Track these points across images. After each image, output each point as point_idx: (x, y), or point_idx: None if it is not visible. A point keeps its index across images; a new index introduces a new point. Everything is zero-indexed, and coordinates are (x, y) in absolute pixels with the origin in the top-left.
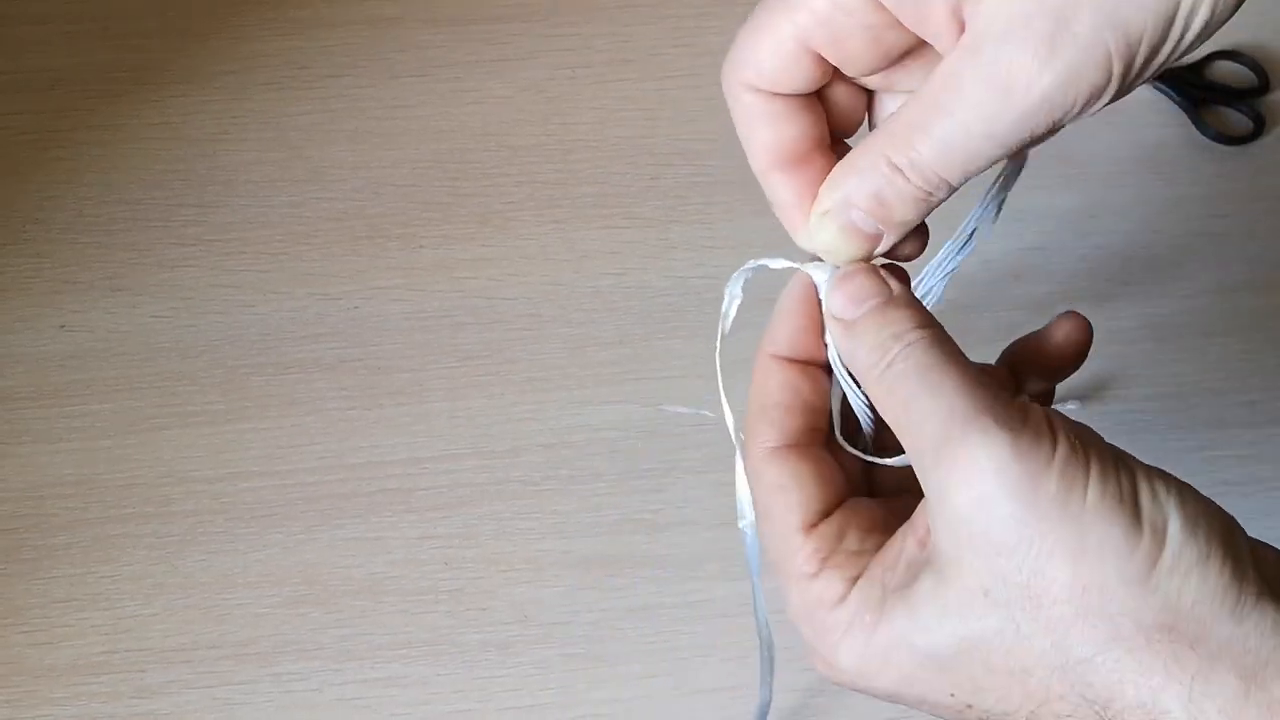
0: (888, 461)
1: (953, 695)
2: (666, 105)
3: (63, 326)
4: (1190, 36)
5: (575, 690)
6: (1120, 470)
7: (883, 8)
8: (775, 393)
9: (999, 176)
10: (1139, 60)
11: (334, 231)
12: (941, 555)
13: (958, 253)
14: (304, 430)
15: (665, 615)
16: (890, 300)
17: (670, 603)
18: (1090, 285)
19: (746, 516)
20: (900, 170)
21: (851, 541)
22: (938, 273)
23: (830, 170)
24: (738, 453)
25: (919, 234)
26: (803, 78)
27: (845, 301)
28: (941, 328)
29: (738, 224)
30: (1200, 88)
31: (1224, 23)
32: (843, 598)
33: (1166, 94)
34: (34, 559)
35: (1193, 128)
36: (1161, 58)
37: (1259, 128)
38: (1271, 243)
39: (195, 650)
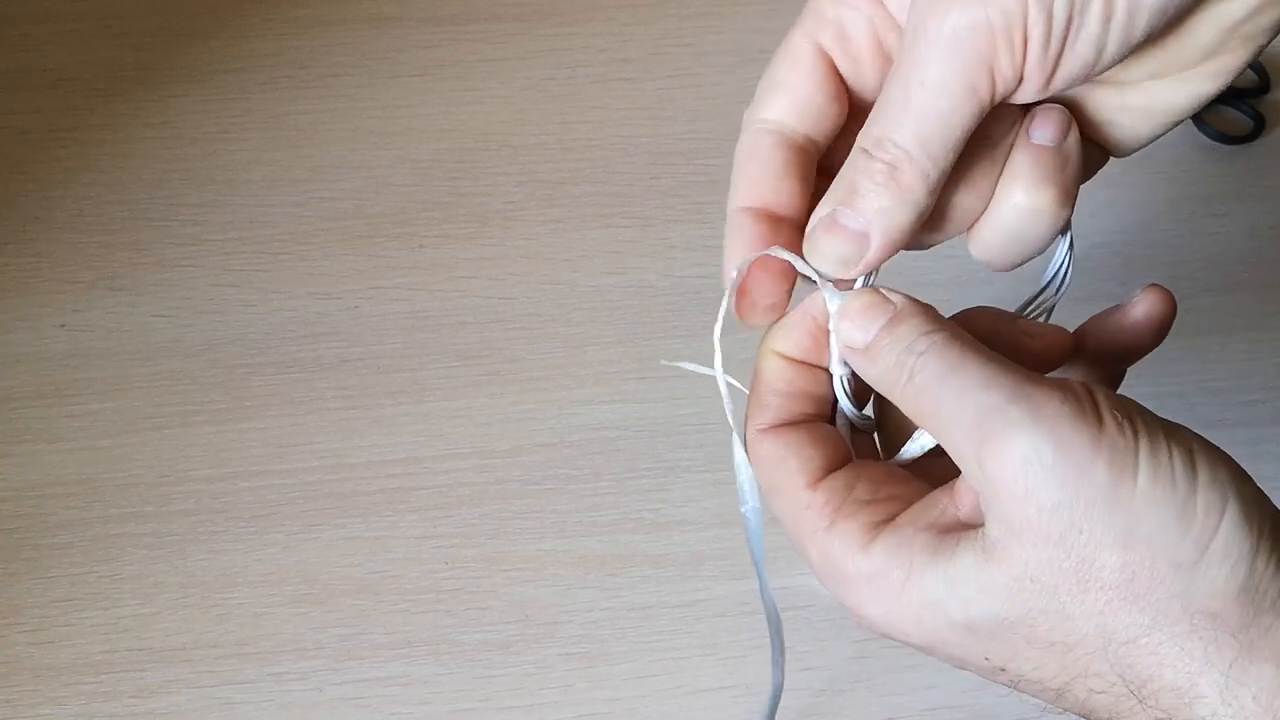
0: (915, 449)
1: (987, 659)
2: (666, 105)
3: (63, 326)
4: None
5: (575, 689)
6: (1173, 447)
7: (883, 6)
8: (774, 381)
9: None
10: (1059, 13)
11: (334, 231)
12: (989, 539)
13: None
14: (304, 429)
15: (665, 614)
16: (896, 315)
17: (670, 602)
18: (1090, 285)
19: (748, 502)
20: (865, 150)
21: (862, 492)
22: None
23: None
24: (735, 437)
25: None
26: (824, 104)
27: (854, 330)
28: (953, 325)
29: None
30: None
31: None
32: (864, 546)
33: None
34: (34, 558)
35: (1193, 127)
36: (1091, 28)
37: (1259, 127)
38: (1271, 242)
39: (195, 649)
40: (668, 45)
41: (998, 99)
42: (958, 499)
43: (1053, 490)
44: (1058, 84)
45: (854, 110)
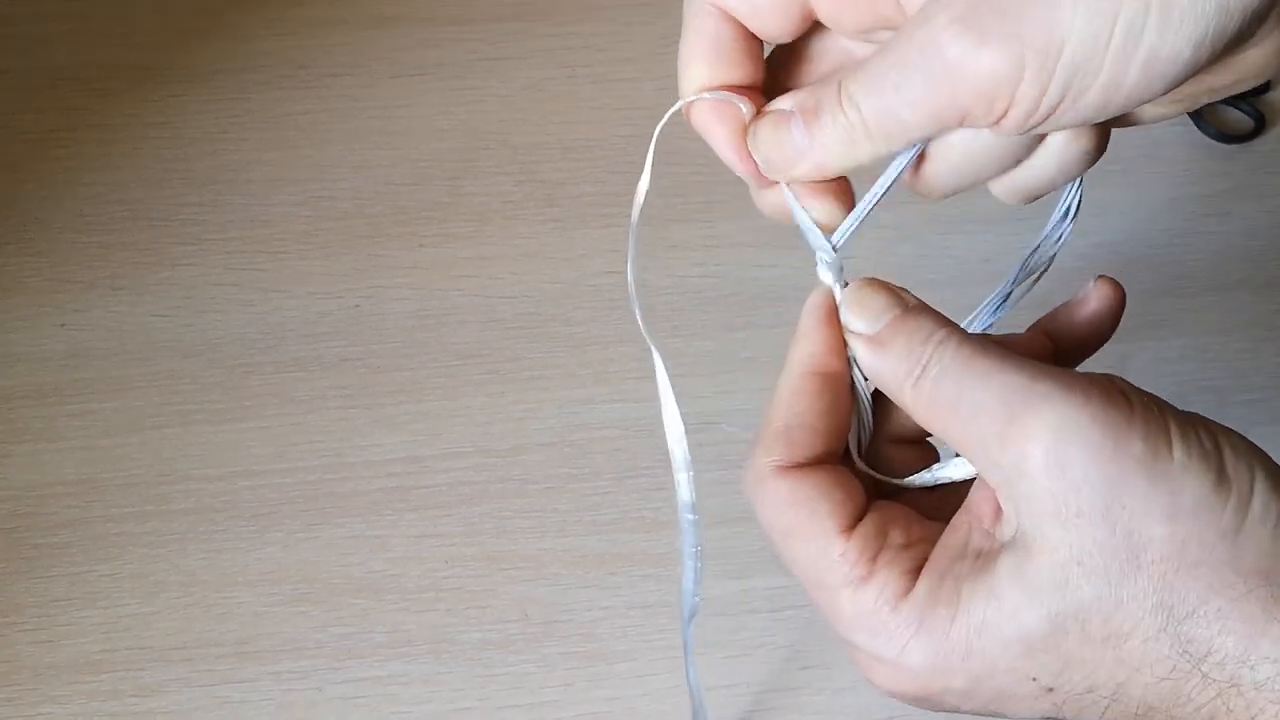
0: (920, 479)
1: (1035, 679)
2: (667, 104)
3: (63, 325)
4: (1133, 76)
5: (575, 688)
6: (1198, 427)
7: None
8: (804, 414)
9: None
10: (1060, 70)
11: (334, 230)
12: (1024, 534)
13: (993, 311)
14: (304, 429)
15: (665, 613)
16: (910, 309)
17: (670, 601)
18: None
19: (689, 591)
20: (841, 87)
21: (897, 536)
22: (1013, 283)
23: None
24: (670, 415)
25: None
26: (781, 14)
27: (862, 314)
28: (963, 329)
29: (738, 222)
30: None
31: (1176, 80)
32: (905, 592)
33: None
34: (34, 557)
35: (1193, 126)
36: (1097, 88)
37: (1259, 126)
38: (1272, 241)
39: (195, 648)
40: (668, 45)
41: (964, 127)
42: (976, 513)
43: (1092, 465)
44: (1045, 130)
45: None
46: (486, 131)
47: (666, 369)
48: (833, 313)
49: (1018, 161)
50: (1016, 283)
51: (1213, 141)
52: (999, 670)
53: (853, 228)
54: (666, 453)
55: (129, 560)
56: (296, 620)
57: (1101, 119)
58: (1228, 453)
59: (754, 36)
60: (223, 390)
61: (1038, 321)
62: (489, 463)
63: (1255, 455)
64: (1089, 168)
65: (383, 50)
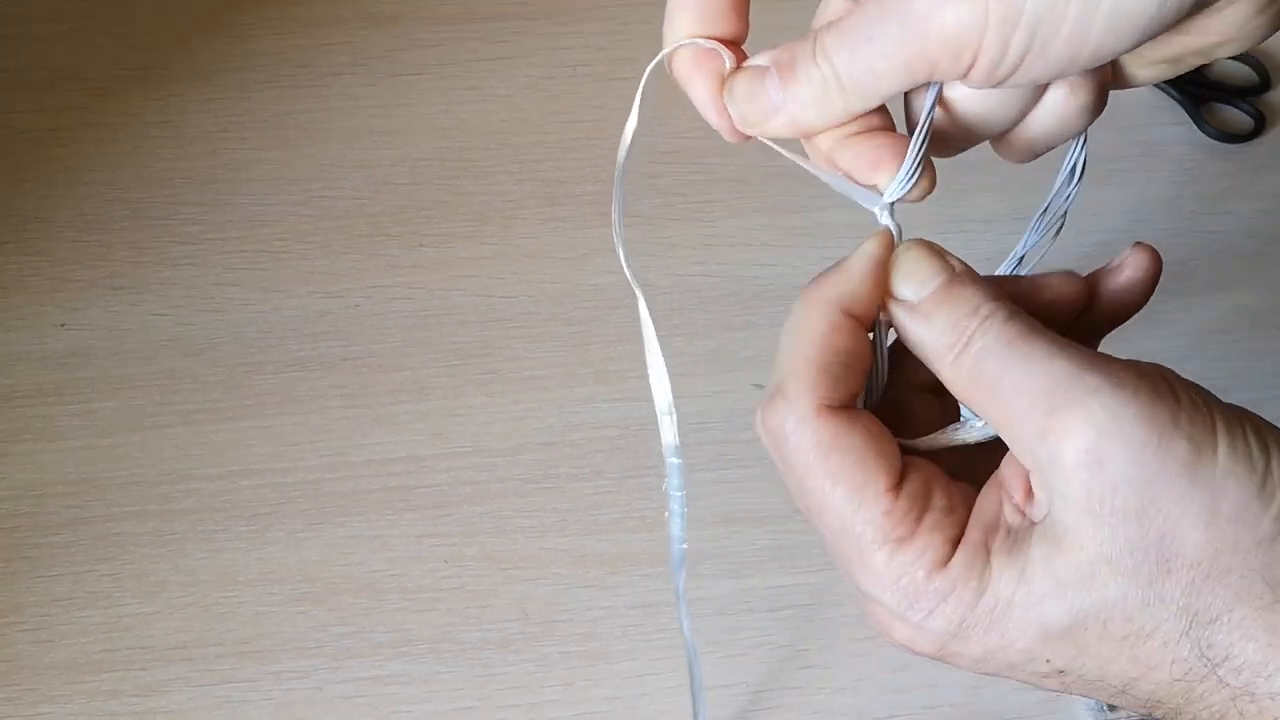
0: (936, 441)
1: (1049, 661)
2: (667, 103)
3: (64, 325)
4: (1097, 30)
5: (575, 687)
6: (1246, 426)
7: None
8: (845, 352)
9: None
10: (1023, 23)
11: (335, 230)
12: (1056, 524)
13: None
14: (305, 428)
15: (665, 613)
16: (956, 276)
17: (670, 600)
18: None
19: (673, 459)
20: (815, 38)
21: (940, 498)
22: (1034, 235)
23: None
24: (653, 356)
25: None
26: None
27: (907, 279)
28: (1013, 303)
29: (738, 221)
30: (1201, 85)
31: (1144, 33)
32: (944, 560)
33: (1167, 92)
34: (35, 557)
35: (1194, 125)
36: (1062, 40)
37: (1260, 125)
38: (1272, 240)
39: (196, 648)
40: None
41: (938, 81)
42: (1008, 489)
43: (1133, 464)
44: (1010, 85)
45: None
46: (487, 130)
47: (666, 367)
48: (885, 264)
49: (1021, 115)
50: (1028, 246)
51: (1213, 141)
52: (1014, 648)
53: (910, 175)
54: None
55: (129, 560)
56: (297, 620)
57: (1075, 71)
58: (1275, 456)
59: None
60: (223, 389)
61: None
62: (489, 462)
63: None
64: (1089, 123)
65: (383, 49)
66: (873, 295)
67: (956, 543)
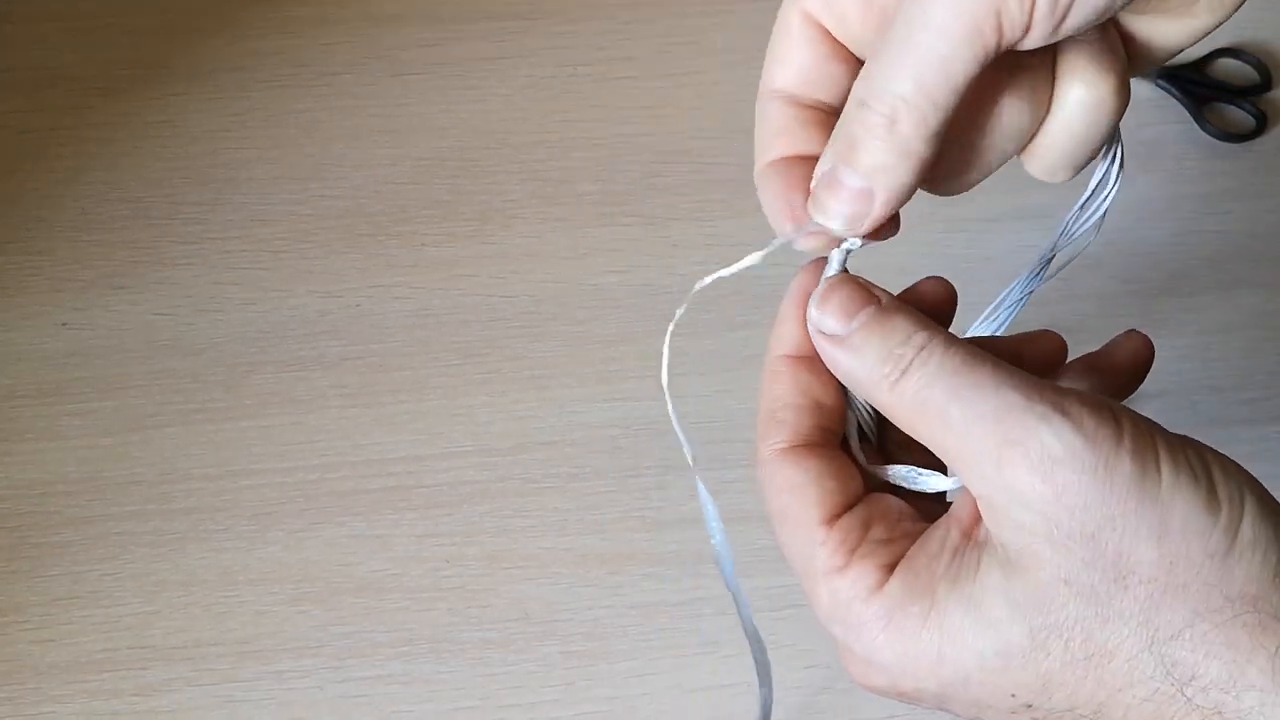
0: (899, 476)
1: (1013, 696)
2: (668, 103)
3: (64, 324)
4: None
5: (576, 687)
6: (1188, 449)
7: None
8: (784, 395)
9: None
10: None
11: (335, 229)
12: (1009, 547)
13: (1029, 281)
14: (305, 428)
15: (666, 612)
16: (884, 308)
17: (671, 600)
18: (1091, 282)
19: (716, 535)
20: (861, 101)
21: (879, 531)
22: (1005, 304)
23: None
24: (697, 479)
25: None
26: (821, 71)
27: (836, 315)
28: (948, 332)
29: (739, 221)
30: (1202, 85)
31: None
32: (879, 585)
33: (1169, 91)
34: (36, 556)
35: (1195, 125)
36: None
37: (1261, 125)
38: (1273, 240)
39: (197, 648)
40: (669, 44)
41: (1004, 47)
42: (956, 514)
43: (1084, 488)
44: (1065, 32)
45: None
46: (488, 130)
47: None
48: (804, 300)
49: (1036, 126)
50: (1057, 248)
51: (1214, 140)
52: (973, 682)
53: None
54: (667, 452)
55: (130, 559)
56: (297, 619)
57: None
58: (1218, 475)
59: (821, 109)
60: (224, 389)
61: (1065, 367)
62: (490, 462)
63: (1246, 480)
64: (1118, 118)
65: (384, 49)
66: (799, 329)
67: (892, 569)
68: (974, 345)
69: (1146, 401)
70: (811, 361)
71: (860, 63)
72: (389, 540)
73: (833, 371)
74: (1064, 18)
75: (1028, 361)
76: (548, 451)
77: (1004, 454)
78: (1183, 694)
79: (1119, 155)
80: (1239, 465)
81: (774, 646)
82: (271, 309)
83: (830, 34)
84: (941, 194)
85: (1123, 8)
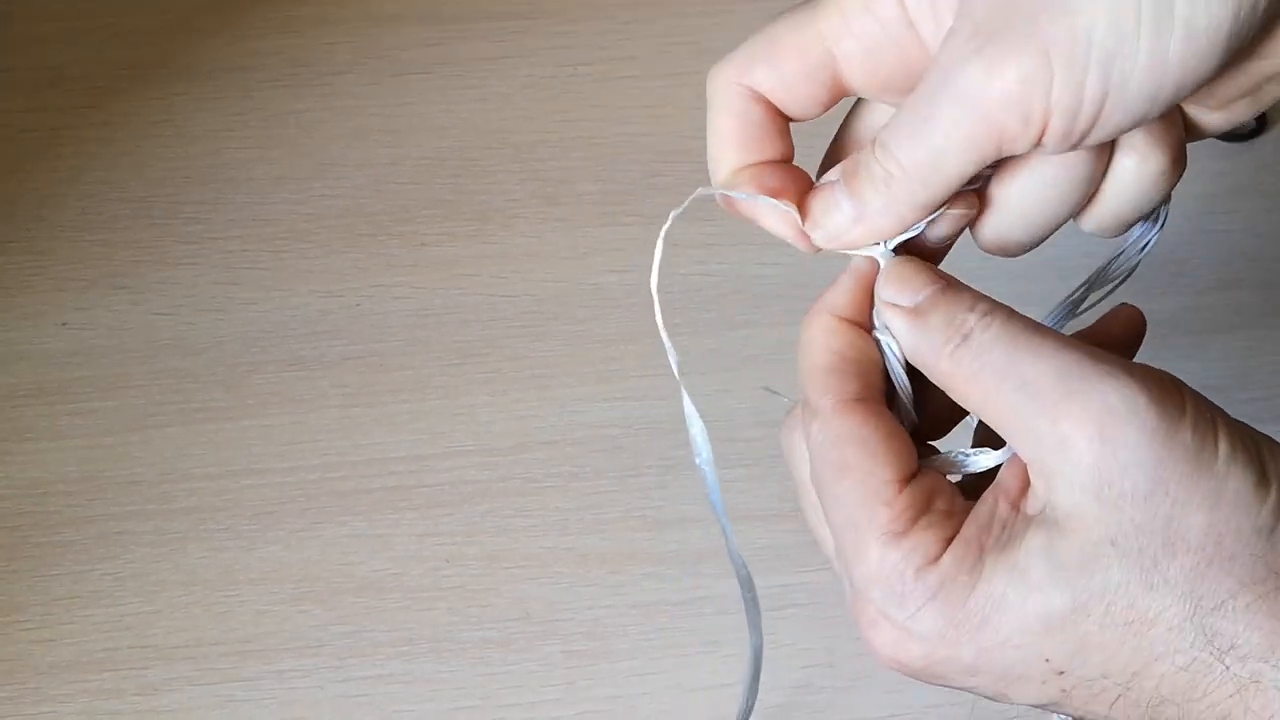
0: (951, 459)
1: (1047, 660)
2: (669, 102)
3: (65, 324)
4: (1175, 53)
5: (577, 687)
6: (1243, 431)
7: (910, 26)
8: (844, 349)
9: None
10: (1094, 63)
11: (336, 229)
12: (1058, 509)
13: (1052, 325)
14: (306, 427)
15: (667, 612)
16: (951, 283)
17: (672, 599)
18: None
19: (703, 454)
20: (872, 149)
21: (942, 502)
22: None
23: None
24: (683, 390)
25: (964, 206)
26: (814, 99)
27: (902, 288)
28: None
29: (739, 221)
30: None
31: (1225, 52)
32: (935, 558)
33: None
34: (36, 556)
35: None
36: (1140, 73)
37: (1261, 125)
38: (1274, 240)
39: (198, 647)
40: (670, 43)
41: (1005, 154)
42: (1004, 487)
43: (1143, 448)
44: (1090, 144)
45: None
46: (488, 130)
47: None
48: (869, 276)
49: (1087, 197)
50: (1093, 287)
51: (1215, 140)
52: (1010, 645)
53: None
54: (668, 451)
55: (131, 559)
56: (298, 619)
57: (1157, 111)
58: (1268, 456)
59: (782, 114)
60: (224, 389)
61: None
62: (491, 461)
63: None
64: (1171, 187)
65: (384, 48)
66: (861, 299)
67: (949, 543)
68: (1035, 321)
69: None
70: (865, 330)
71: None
72: (390, 540)
73: (899, 341)
74: (1084, 137)
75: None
76: (548, 451)
77: (1061, 408)
78: (1221, 663)
79: (1164, 216)
80: None
81: (774, 645)
82: (272, 309)
83: (839, 75)
84: (994, 250)
85: (1156, 118)
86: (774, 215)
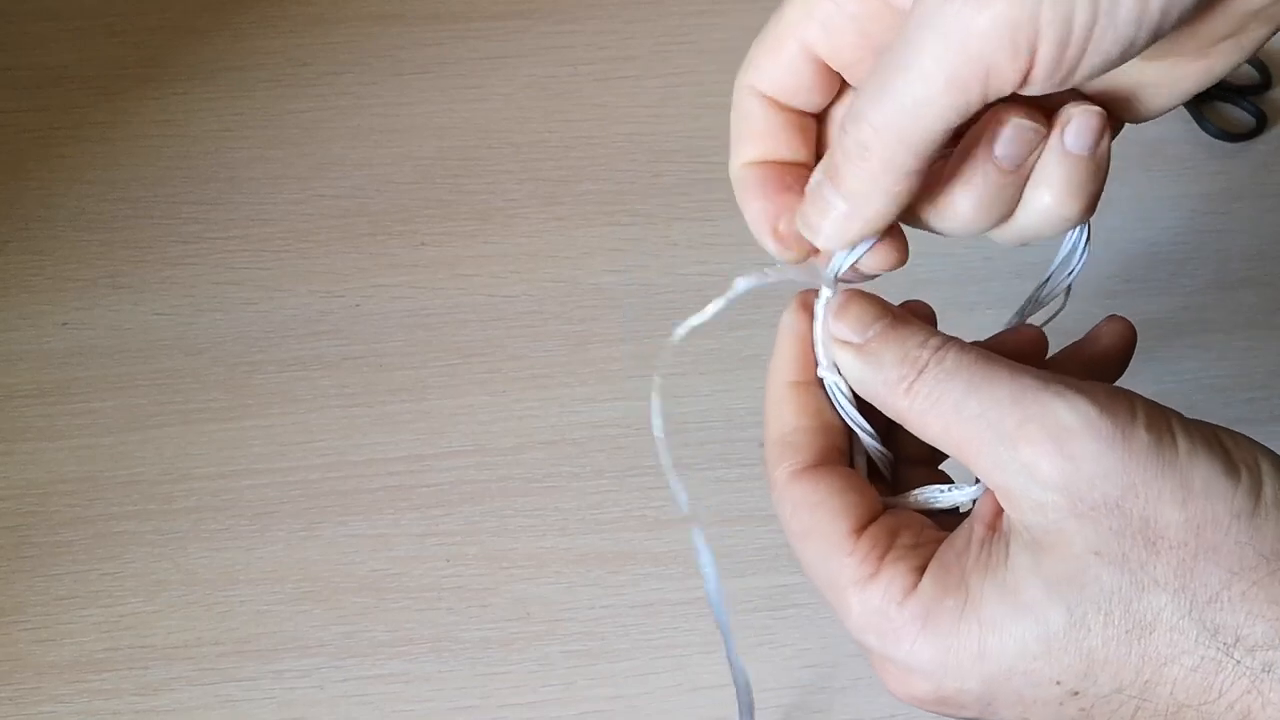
0: (923, 497)
1: (1058, 683)
2: (668, 102)
3: (65, 324)
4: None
5: (577, 686)
6: (1200, 425)
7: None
8: (793, 419)
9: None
10: (1081, 15)
11: (336, 229)
12: (1035, 530)
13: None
14: (306, 427)
15: (667, 612)
16: (899, 317)
17: (672, 599)
18: (1092, 282)
19: (712, 583)
20: (843, 129)
21: (907, 537)
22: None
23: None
24: (696, 533)
25: (893, 243)
26: (807, 86)
27: (852, 325)
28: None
29: (740, 220)
30: None
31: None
32: (912, 587)
33: None
34: (36, 556)
35: (1195, 124)
36: (1124, 17)
37: (1261, 124)
38: (1273, 239)
39: (198, 647)
40: (670, 43)
41: (990, 98)
42: (979, 512)
43: (1102, 456)
44: (1071, 84)
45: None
46: (489, 129)
47: (667, 365)
48: (799, 328)
49: (1004, 219)
50: (1026, 314)
51: (1214, 140)
52: (1017, 672)
53: (860, 253)
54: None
55: (131, 559)
56: (298, 619)
57: (1143, 39)
58: (1231, 445)
59: (799, 114)
60: (224, 389)
61: (1054, 357)
62: (491, 461)
63: (1258, 447)
64: (1082, 223)
65: (385, 48)
66: (803, 355)
67: (923, 570)
68: (987, 350)
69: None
70: (815, 386)
71: (845, 85)
72: (389, 540)
73: (849, 380)
74: (1069, 74)
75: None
76: (548, 451)
77: (1019, 433)
78: (1230, 657)
79: (1088, 233)
80: (1249, 437)
81: (774, 645)
82: (272, 308)
83: (824, 63)
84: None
85: (1139, 54)
86: (757, 207)
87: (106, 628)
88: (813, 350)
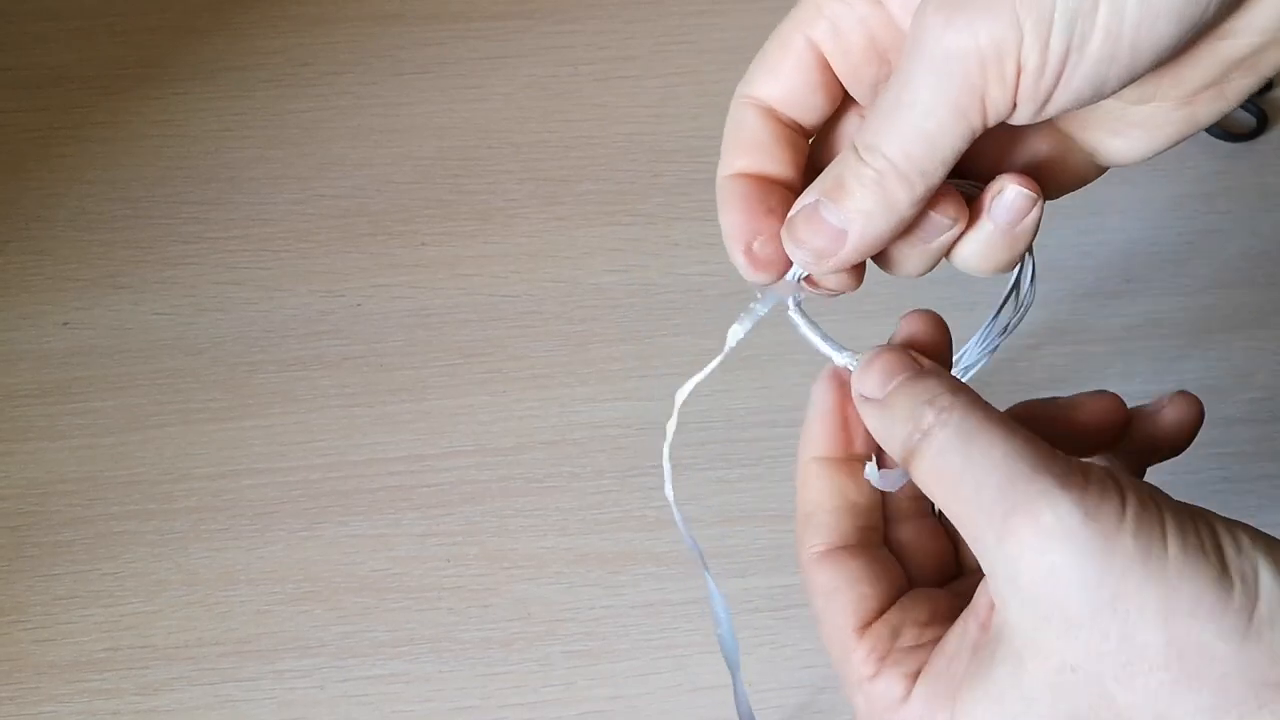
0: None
1: None
2: (669, 102)
3: (65, 323)
4: (1130, 14)
5: (577, 687)
6: (1198, 522)
7: (881, 6)
8: (818, 498)
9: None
10: (1058, 18)
11: (336, 229)
12: (1019, 635)
13: (999, 334)
14: (306, 427)
15: (667, 612)
16: (921, 372)
17: (672, 599)
18: (1093, 282)
19: (724, 624)
20: (856, 151)
21: (907, 637)
22: (978, 348)
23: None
24: (708, 576)
25: (854, 269)
26: (808, 92)
27: (876, 380)
28: (975, 394)
29: None
30: None
31: (1184, 22)
32: (905, 696)
33: None
34: (37, 555)
35: None
36: (1099, 31)
37: (1261, 124)
38: (1273, 239)
39: (198, 647)
40: (670, 43)
41: (990, 123)
42: (974, 607)
43: (1081, 569)
44: (1051, 112)
45: (845, 103)
46: (489, 129)
47: (668, 366)
48: (835, 402)
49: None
50: (986, 351)
51: (1214, 140)
52: None
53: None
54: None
55: (131, 559)
56: (298, 619)
57: (1114, 79)
58: (1229, 548)
59: (794, 129)
60: (224, 389)
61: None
62: (491, 461)
63: (1262, 549)
64: (1006, 270)
65: (385, 48)
66: (830, 435)
67: (916, 677)
68: (994, 410)
69: (1146, 401)
70: (843, 463)
71: (848, 97)
72: (390, 540)
73: (877, 437)
74: (1047, 101)
75: (1083, 424)
76: (548, 451)
77: (1007, 524)
78: None
79: (1032, 266)
80: (1256, 532)
81: (775, 646)
82: (272, 308)
83: (828, 65)
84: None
85: (1112, 93)
86: (735, 218)
87: (107, 628)
88: (841, 425)
